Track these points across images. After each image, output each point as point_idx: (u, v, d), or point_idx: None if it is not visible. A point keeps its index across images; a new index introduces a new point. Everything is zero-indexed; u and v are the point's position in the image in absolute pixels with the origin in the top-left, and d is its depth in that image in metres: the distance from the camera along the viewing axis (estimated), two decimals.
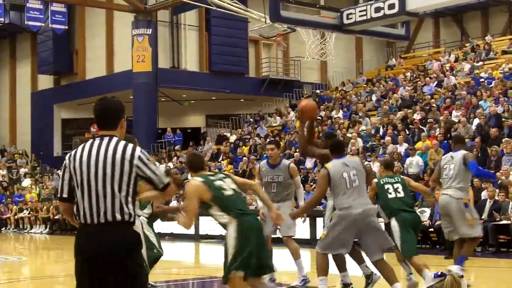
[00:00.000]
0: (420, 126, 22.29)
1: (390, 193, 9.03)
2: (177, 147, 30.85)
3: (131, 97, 32.02)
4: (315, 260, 8.31)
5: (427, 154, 19.81)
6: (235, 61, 34.30)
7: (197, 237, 21.18)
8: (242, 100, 36.12)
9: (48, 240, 24.74)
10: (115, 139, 4.48)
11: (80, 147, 4.52)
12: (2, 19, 31.53)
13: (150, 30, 31.00)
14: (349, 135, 23.73)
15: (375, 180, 9.27)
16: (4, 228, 29.77)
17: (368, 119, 25.19)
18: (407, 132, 22.34)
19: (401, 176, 9.79)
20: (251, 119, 32.11)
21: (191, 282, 12.12)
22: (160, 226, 22.21)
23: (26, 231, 28.63)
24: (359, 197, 8.00)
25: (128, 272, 4.34)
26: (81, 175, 4.41)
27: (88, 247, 4.36)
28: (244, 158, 25.24)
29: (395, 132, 22.42)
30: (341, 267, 8.93)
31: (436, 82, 27.00)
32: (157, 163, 16.79)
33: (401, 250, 8.79)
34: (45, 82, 38.97)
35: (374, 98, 28.11)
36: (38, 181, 33.40)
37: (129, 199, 4.43)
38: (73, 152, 4.53)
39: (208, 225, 19.64)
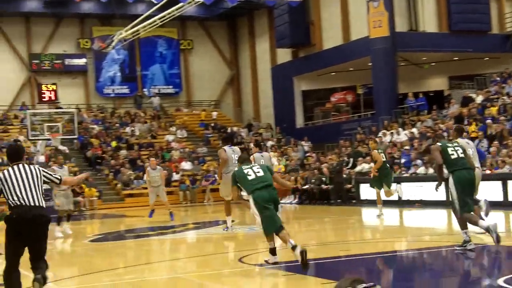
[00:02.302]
0: None
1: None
2: (422, 112, 30.02)
3: (370, 64, 31.64)
4: None
5: None
6: (476, 19, 32.59)
7: (447, 204, 20.33)
8: (487, 58, 34.23)
9: (298, 209, 25.22)
10: (25, 165, 7.86)
11: (6, 171, 7.69)
12: None
13: None
14: None
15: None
16: None
17: None
18: None
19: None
20: (498, 78, 30.29)
21: (443, 250, 11.52)
22: (409, 193, 21.72)
23: None
24: None
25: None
26: (12, 183, 7.62)
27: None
28: (491, 120, 23.81)
29: None
30: (464, 225, 10.34)
31: None
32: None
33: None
34: (284, 55, 39.75)
35: None
36: (283, 153, 34.19)
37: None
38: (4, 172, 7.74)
39: None
